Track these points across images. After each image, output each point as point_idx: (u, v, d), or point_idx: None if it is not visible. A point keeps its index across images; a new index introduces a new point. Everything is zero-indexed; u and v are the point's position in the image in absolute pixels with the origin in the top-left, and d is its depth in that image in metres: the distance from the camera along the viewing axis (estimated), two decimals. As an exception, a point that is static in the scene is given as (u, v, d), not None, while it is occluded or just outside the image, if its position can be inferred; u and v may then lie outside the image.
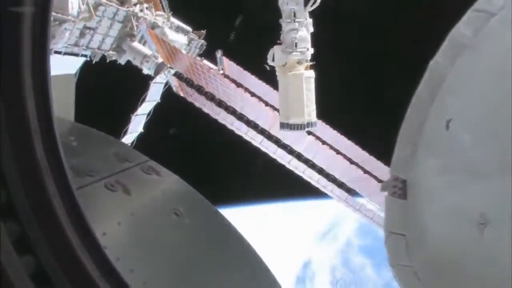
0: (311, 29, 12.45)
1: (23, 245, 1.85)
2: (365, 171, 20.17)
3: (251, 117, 20.04)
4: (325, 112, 20.42)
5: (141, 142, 22.13)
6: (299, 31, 12.09)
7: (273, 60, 12.39)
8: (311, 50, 12.44)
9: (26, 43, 2.08)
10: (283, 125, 12.24)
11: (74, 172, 3.27)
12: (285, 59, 12.13)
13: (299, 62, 12.13)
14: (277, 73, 12.53)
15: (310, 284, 65.41)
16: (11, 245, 1.77)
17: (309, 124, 11.98)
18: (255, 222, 66.92)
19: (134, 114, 21.02)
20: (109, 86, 25.70)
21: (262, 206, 68.85)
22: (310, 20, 12.40)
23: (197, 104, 21.27)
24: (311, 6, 12.01)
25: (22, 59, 2.07)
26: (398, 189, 8.48)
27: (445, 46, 7.84)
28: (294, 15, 12.06)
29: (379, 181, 20.05)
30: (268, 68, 12.79)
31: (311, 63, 12.42)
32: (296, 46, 12.08)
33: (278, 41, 12.40)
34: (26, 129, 2.07)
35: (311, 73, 12.23)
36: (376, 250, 68.08)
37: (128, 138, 21.25)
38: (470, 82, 6.08)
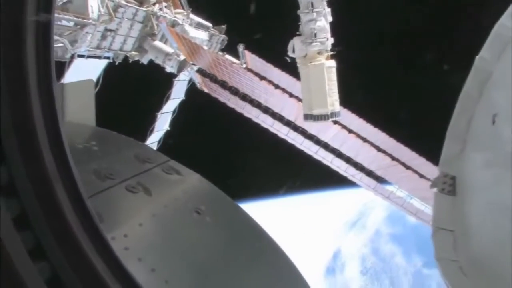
0: (330, 19, 12.36)
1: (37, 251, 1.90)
2: (393, 158, 20.04)
3: (276, 109, 20.03)
4: (350, 100, 20.36)
5: (169, 140, 22.28)
6: (318, 21, 12.01)
7: (293, 51, 12.35)
8: (331, 40, 12.37)
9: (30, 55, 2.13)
10: (307, 116, 12.21)
11: (96, 176, 3.34)
12: (305, 50, 12.08)
13: (319, 53, 12.07)
14: (298, 65, 12.48)
15: (340, 274, 65.26)
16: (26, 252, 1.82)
17: (333, 114, 11.92)
18: (286, 214, 67.02)
19: (160, 112, 21.13)
20: (134, 87, 25.89)
21: (292, 198, 68.83)
22: (328, 10, 12.31)
23: (221, 99, 21.32)
24: (329, -5, 11.98)
25: (27, 70, 2.12)
26: (448, 186, 8.40)
27: (490, 41, 7.73)
28: (312, 5, 11.99)
29: (407, 167, 19.93)
30: (289, 60, 12.76)
31: (332, 52, 12.36)
32: (315, 36, 12.02)
33: (297, 32, 12.36)
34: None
35: (332, 63, 12.16)
36: (405, 238, 67.66)
37: (155, 137, 21.40)
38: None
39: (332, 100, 11.85)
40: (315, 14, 12.04)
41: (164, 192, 3.71)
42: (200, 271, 3.23)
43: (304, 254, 64.61)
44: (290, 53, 12.44)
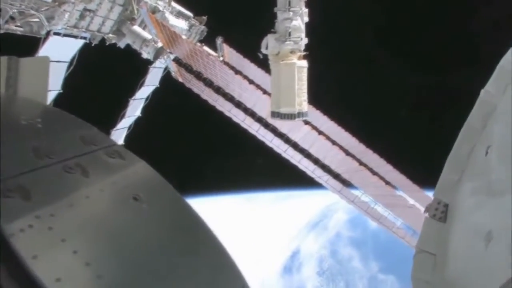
0: (306, 19, 12.35)
1: None
2: (361, 163, 20.20)
3: (248, 104, 20.04)
4: (323, 102, 20.47)
5: (139, 127, 22.17)
6: (293, 20, 12.01)
7: (266, 48, 12.34)
8: (305, 40, 12.37)
9: None
10: (274, 114, 12.22)
11: (34, 154, 3.31)
12: (278, 48, 12.06)
13: (292, 52, 12.06)
14: (269, 62, 12.48)
15: (297, 273, 65.86)
16: None
17: (300, 114, 11.93)
18: (250, 211, 67.45)
19: (132, 98, 21.00)
20: (108, 70, 25.70)
21: (257, 194, 69.38)
22: (305, 10, 12.31)
23: (195, 90, 21.28)
24: (308, -5, 11.97)
25: None
26: (440, 212, 8.57)
27: (495, 76, 7.91)
28: (289, 4, 11.99)
29: (374, 173, 20.10)
30: (261, 56, 12.75)
31: (305, 53, 12.37)
32: (289, 35, 12.02)
33: (272, 30, 12.34)
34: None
35: (304, 63, 12.16)
36: (364, 243, 68.75)
37: (125, 122, 21.28)
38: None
39: (301, 100, 11.86)
40: (291, 13, 12.03)
41: (102, 176, 3.67)
42: (127, 257, 3.22)
43: (264, 252, 65.21)
44: (263, 50, 12.42)
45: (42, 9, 13.51)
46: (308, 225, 72.51)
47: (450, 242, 6.69)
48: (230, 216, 65.88)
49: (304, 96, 12.12)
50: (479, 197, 6.57)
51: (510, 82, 6.97)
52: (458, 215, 7.28)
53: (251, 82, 20.73)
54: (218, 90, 20.18)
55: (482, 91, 8.14)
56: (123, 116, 20.79)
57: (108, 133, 20.24)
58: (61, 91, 16.22)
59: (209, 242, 4.32)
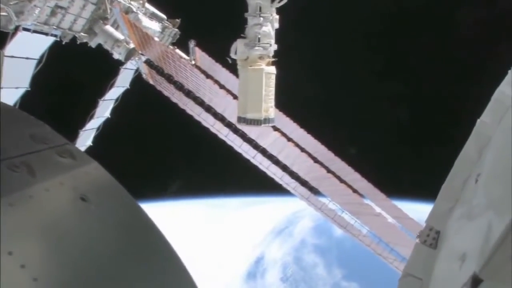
0: (277, 26, 12.35)
1: None
2: (329, 171, 20.29)
3: (218, 109, 20.01)
4: (293, 109, 20.52)
5: (108, 128, 21.99)
6: (264, 26, 12.00)
7: (235, 53, 12.32)
8: (275, 46, 12.37)
9: None
10: (240, 119, 12.21)
11: (-22, 152, 3.24)
12: (247, 53, 12.05)
13: (261, 58, 12.05)
14: (238, 67, 12.46)
15: (260, 279, 66.04)
16: None
17: (266, 120, 11.93)
18: (216, 215, 67.51)
19: (102, 99, 20.82)
20: (78, 69, 25.48)
21: (224, 200, 69.54)
22: (276, 17, 12.31)
23: (166, 93, 21.21)
24: (279, 2, 11.95)
25: None
26: (431, 239, 8.72)
27: (491, 106, 8.12)
28: (260, 10, 11.99)
29: (341, 181, 20.20)
30: (230, 61, 12.73)
31: (273, 59, 12.37)
32: (259, 41, 12.02)
33: (242, 35, 12.32)
34: None
35: (272, 69, 12.16)
36: (329, 250, 69.46)
37: (94, 123, 21.10)
38: (503, 140, 6.26)
39: (267, 106, 11.86)
40: (261, 19, 12.03)
41: (50, 175, 3.59)
42: (68, 259, 3.16)
43: (228, 257, 65.29)
44: (232, 54, 12.40)
45: (11, 3, 13.31)
46: (274, 231, 72.89)
47: (435, 266, 6.80)
48: (195, 221, 65.81)
49: (271, 102, 12.13)
50: (461, 222, 6.73)
51: (504, 114, 7.12)
52: (446, 241, 7.40)
53: (222, 86, 20.70)
54: (189, 94, 20.10)
55: (478, 121, 8.32)
56: (92, 117, 20.60)
57: (76, 133, 20.08)
58: (29, 89, 16.02)
59: (159, 248, 4.26)
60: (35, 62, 16.08)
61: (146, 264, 3.97)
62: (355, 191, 20.58)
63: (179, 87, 20.07)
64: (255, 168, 20.85)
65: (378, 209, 20.71)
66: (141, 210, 4.38)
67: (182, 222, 63.70)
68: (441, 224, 8.21)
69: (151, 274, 3.98)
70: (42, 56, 16.39)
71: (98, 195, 3.75)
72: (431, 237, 8.37)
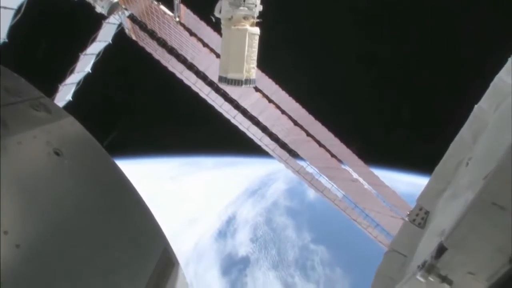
0: (262, -14, 12.26)
1: None
2: (308, 134, 20.35)
3: (201, 67, 19.93)
4: (277, 73, 20.43)
5: (88, 83, 21.73)
6: (249, -14, 11.90)
7: (220, 12, 12.20)
8: (260, 7, 12.26)
9: None
10: (221, 79, 12.15)
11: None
12: (232, 13, 11.93)
13: (245, 18, 11.94)
14: (222, 26, 12.34)
15: (230, 238, 66.83)
16: None
17: (247, 81, 11.89)
18: (192, 173, 67.82)
19: (83, 53, 20.49)
20: (60, 22, 25.05)
21: (201, 159, 69.88)
22: (262, -23, 12.20)
23: (148, 49, 20.99)
24: (265, -38, 11.83)
25: None
26: (420, 218, 8.85)
27: (489, 93, 8.15)
28: (246, -31, 11.85)
29: (320, 145, 20.29)
30: (214, 19, 12.59)
31: (258, 20, 12.26)
32: (244, 0, 11.90)
33: (227, -6, 12.17)
34: None
35: (256, 30, 12.07)
36: (300, 213, 70.49)
37: (74, 78, 20.84)
38: (498, 126, 6.31)
39: (249, 67, 11.82)
40: (247, -22, 11.90)
41: (23, 128, 3.56)
42: (40, 212, 3.15)
43: (200, 216, 65.90)
44: (216, 13, 12.27)
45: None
46: (247, 192, 73.59)
47: (420, 244, 6.93)
48: (170, 179, 66.05)
49: (253, 63, 12.08)
50: (447, 202, 6.83)
51: (502, 101, 7.17)
52: (433, 221, 7.51)
53: (205, 45, 20.51)
54: (172, 51, 19.96)
55: (476, 107, 8.40)
56: (72, 71, 20.32)
57: (56, 87, 19.83)
58: (6, 41, 15.69)
59: (132, 203, 4.28)
60: (13, 12, 15.67)
61: (118, 219, 3.99)
62: (333, 156, 20.70)
63: (162, 43, 19.91)
64: (234, 129, 20.88)
65: (355, 175, 20.89)
66: (115, 165, 4.38)
67: (157, 179, 63.99)
68: (431, 204, 8.35)
69: (123, 229, 4.01)
70: (20, 6, 15.98)
71: (72, 150, 3.74)
72: (420, 217, 8.57)
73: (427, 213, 8.49)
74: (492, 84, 7.91)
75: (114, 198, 4.05)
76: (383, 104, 49.36)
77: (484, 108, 7.94)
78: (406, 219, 9.28)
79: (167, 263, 4.14)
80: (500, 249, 3.14)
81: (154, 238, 4.27)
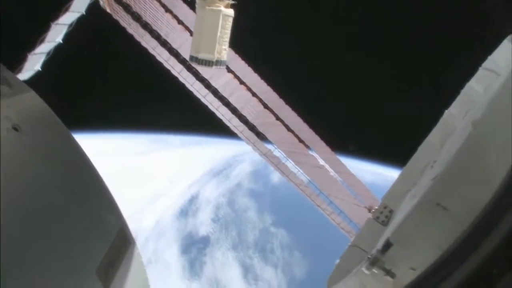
0: (239, -33, 12.26)
1: None
2: (278, 118, 20.46)
3: (174, 45, 19.80)
4: (251, 55, 20.44)
5: (57, 55, 21.36)
6: (225, -34, 11.90)
7: (195, -9, 12.20)
8: (236, -11, 12.28)
9: None
10: (192, 58, 12.18)
11: None
12: (207, -7, 11.95)
13: (220, -1, 11.98)
14: (196, 5, 12.34)
15: (192, 217, 66.99)
16: None
17: (218, 62, 11.94)
18: (157, 151, 67.70)
19: (55, 22, 20.13)
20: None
21: (168, 136, 69.78)
22: (239, -42, 12.20)
23: (122, 23, 20.74)
24: None
25: None
26: (384, 216, 9.01)
27: (459, 99, 8.37)
28: (223, -50, 11.84)
29: (289, 130, 20.43)
30: (188, -1, 12.59)
31: (233, 2, 12.27)
32: (220, -19, 11.91)
33: (204, -26, 12.13)
34: None
35: (230, 12, 12.09)
36: (262, 196, 70.97)
37: (44, 47, 20.49)
38: (464, 131, 6.47)
39: (221, 48, 11.85)
40: (224, -41, 11.90)
41: (-17, 102, 3.55)
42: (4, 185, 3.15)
43: (163, 193, 65.90)
44: (191, -8, 12.28)
45: None
46: (211, 172, 73.73)
47: (379, 241, 7.09)
48: (135, 156, 65.87)
49: (225, 45, 12.12)
50: (407, 202, 7.02)
51: (471, 108, 7.37)
52: (394, 219, 7.72)
53: (180, 22, 20.38)
54: (146, 26, 19.78)
55: (446, 112, 8.63)
56: (42, 41, 19.98)
57: (25, 57, 19.50)
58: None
59: (90, 182, 4.30)
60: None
61: (75, 197, 4.01)
62: (301, 141, 20.87)
63: (137, 18, 19.71)
64: (204, 108, 20.84)
65: (322, 162, 21.10)
66: (75, 142, 4.38)
67: (122, 155, 63.73)
68: (396, 204, 8.55)
69: (79, 207, 4.03)
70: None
71: (31, 125, 3.73)
72: (384, 215, 8.78)
73: (391, 211, 8.69)
74: (462, 92, 8.16)
75: (71, 176, 4.05)
76: (355, 95, 49.69)
77: (454, 114, 8.19)
78: (370, 216, 9.52)
79: (123, 242, 4.17)
80: (440, 247, 3.27)
81: (110, 217, 4.29)
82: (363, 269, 3.74)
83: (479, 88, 7.55)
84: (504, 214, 2.97)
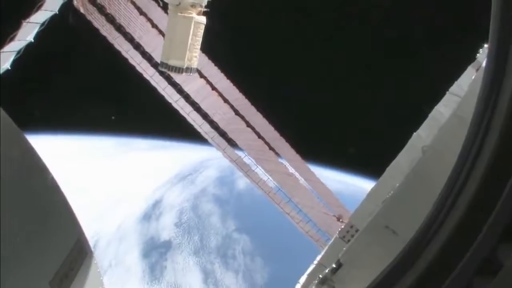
0: (212, -25, 12.26)
1: None
2: (248, 125, 20.50)
3: (147, 48, 19.74)
4: (223, 60, 20.46)
5: (29, 53, 21.09)
6: (199, -26, 11.90)
7: (169, -3, 12.15)
8: (209, -3, 12.28)
9: None
10: (162, 64, 12.13)
11: None
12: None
13: (193, 6, 11.94)
14: (169, 11, 12.30)
15: (155, 221, 66.67)
16: None
17: (188, 69, 11.92)
18: (123, 154, 67.32)
19: (27, 20, 19.88)
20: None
21: (136, 140, 69.55)
22: (212, -34, 12.21)
23: (95, 24, 20.61)
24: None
25: None
26: (350, 236, 9.06)
27: (428, 122, 8.49)
28: (196, -42, 11.83)
29: (259, 136, 20.48)
30: (161, 4, 12.55)
31: (206, 9, 12.27)
32: (193, -12, 11.89)
33: (178, -19, 12.10)
34: None
35: (203, 20, 12.08)
36: (227, 202, 71.08)
37: (15, 45, 20.20)
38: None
39: (192, 55, 11.84)
40: (197, -34, 11.89)
41: None
42: None
43: (127, 197, 65.48)
44: (164, -2, 12.22)
45: None
46: (177, 176, 73.57)
47: None
48: (101, 158, 65.41)
49: (196, 52, 12.11)
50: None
51: (437, 131, 7.51)
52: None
53: (154, 26, 20.33)
54: (119, 29, 19.69)
55: (414, 135, 8.75)
56: (12, 39, 19.69)
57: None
58: None
59: (45, 190, 4.26)
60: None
61: (28, 206, 3.97)
62: (271, 148, 20.94)
63: (111, 20, 19.61)
64: (174, 112, 20.79)
65: (291, 170, 21.20)
66: (29, 145, 4.32)
67: (87, 157, 63.33)
68: (361, 223, 8.66)
69: (33, 217, 3.99)
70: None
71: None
72: (350, 234, 8.89)
73: (357, 231, 8.79)
74: (430, 115, 8.34)
75: (24, 184, 4.01)
76: (325, 103, 49.98)
77: (422, 136, 8.33)
78: (336, 235, 9.61)
79: (79, 252, 4.15)
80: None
81: (66, 228, 4.25)
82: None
83: (445, 112, 7.76)
84: (433, 236, 3.06)
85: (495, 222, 2.98)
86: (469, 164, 3.34)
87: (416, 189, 3.73)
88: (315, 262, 8.96)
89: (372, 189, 9.04)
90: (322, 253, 9.43)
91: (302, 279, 8.78)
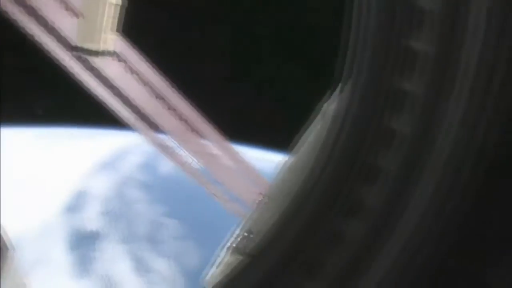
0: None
1: None
2: (170, 107, 20.36)
3: (62, 32, 19.11)
4: (142, 42, 20.11)
5: None
6: (115, -46, 11.63)
7: (83, -23, 11.82)
8: (125, -21, 12.02)
9: None
10: (78, 49, 11.85)
11: None
12: (94, -21, 11.63)
13: (107, -14, 11.68)
14: (84, -6, 11.98)
15: (79, 212, 65.48)
16: None
17: (105, 52, 11.68)
18: (43, 145, 65.56)
19: None
20: None
21: (55, 130, 67.54)
22: None
23: (2, 7, 19.79)
24: None
25: None
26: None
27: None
28: None
29: (182, 119, 20.39)
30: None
31: (121, -11, 12.01)
32: (109, -33, 11.62)
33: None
34: None
35: (118, 1, 11.84)
36: (153, 187, 70.34)
37: None
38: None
39: (107, 37, 11.59)
40: None
41: None
42: None
43: (47, 190, 63.81)
44: (78, -23, 11.88)
45: None
46: (100, 164, 72.17)
47: None
48: (19, 150, 63.43)
49: (112, 35, 11.87)
50: None
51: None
52: None
53: (69, 8, 19.71)
54: (31, 11, 18.96)
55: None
56: None
57: None
58: None
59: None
60: None
61: None
62: (194, 130, 20.88)
63: (21, 2, 18.87)
64: (93, 98, 20.31)
65: (215, 151, 21.24)
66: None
67: (3, 151, 61.15)
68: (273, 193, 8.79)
69: None
70: None
71: None
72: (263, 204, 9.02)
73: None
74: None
75: None
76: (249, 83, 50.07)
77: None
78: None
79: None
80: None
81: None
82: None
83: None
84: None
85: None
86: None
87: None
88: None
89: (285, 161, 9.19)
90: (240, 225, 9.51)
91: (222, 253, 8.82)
